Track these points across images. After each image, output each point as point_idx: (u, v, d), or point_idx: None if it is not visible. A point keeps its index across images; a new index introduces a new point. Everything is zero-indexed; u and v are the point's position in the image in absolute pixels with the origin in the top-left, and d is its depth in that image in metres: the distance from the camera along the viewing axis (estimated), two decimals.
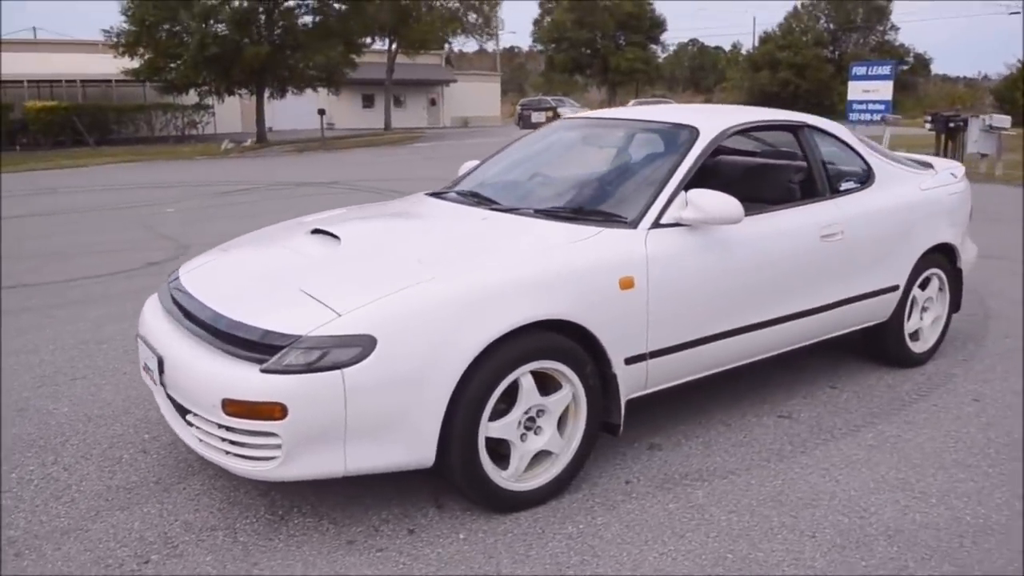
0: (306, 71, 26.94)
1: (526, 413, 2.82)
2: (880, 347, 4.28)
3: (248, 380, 2.49)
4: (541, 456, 2.92)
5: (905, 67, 46.58)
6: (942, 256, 4.33)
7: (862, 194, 3.92)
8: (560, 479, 2.94)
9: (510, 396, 2.78)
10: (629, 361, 3.03)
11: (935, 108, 22.13)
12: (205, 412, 2.62)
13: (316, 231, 3.35)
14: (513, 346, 2.70)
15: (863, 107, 17.48)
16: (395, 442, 2.59)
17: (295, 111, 36.21)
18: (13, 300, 5.94)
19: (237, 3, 24.55)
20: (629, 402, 3.15)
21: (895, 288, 4.04)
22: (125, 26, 24.79)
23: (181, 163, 21.08)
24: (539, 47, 57.71)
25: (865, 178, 4.00)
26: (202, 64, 24.49)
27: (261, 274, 3.06)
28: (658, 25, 51.41)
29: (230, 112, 34.25)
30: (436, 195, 3.89)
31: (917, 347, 4.33)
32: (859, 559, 2.56)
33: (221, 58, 24.38)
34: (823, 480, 3.09)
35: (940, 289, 4.40)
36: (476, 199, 3.66)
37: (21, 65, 29.24)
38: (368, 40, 30.63)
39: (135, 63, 25.30)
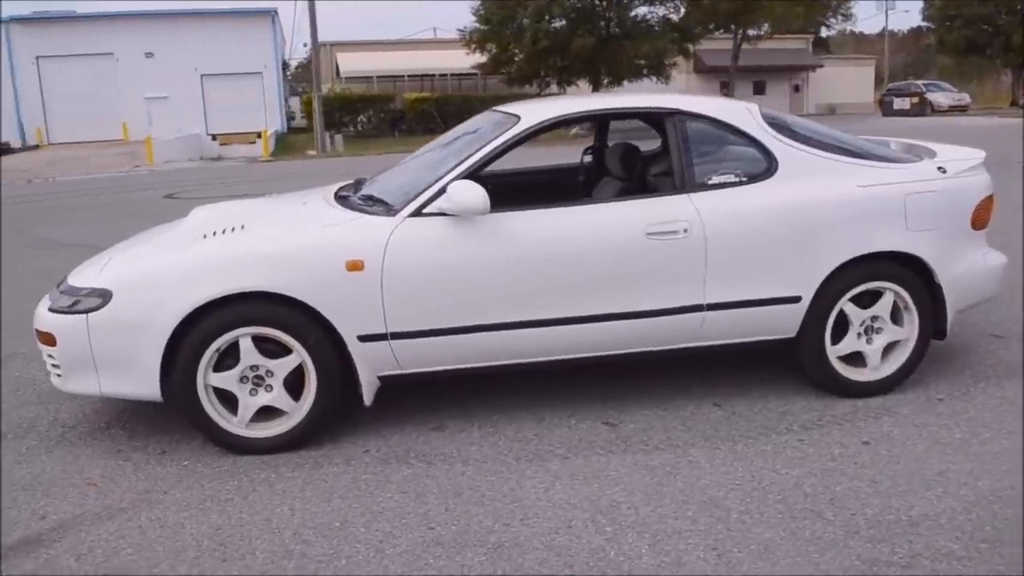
0: (634, 61, 27.66)
1: (253, 370, 3.21)
2: (802, 369, 3.67)
3: (41, 315, 3.32)
4: (279, 412, 3.28)
5: None
6: (903, 268, 3.53)
7: (745, 188, 3.41)
8: (292, 435, 3.27)
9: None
10: (364, 339, 3.21)
11: None
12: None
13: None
14: (228, 310, 3.12)
15: None
16: (129, 376, 3.19)
17: None
18: None
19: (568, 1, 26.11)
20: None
21: (795, 299, 3.45)
22: (476, 25, 27.93)
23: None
24: (931, 26, 50.65)
25: (763, 171, 3.47)
26: (535, 57, 26.58)
27: (131, 242, 3.83)
28: None
29: None
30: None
31: (858, 375, 3.60)
32: (437, 559, 2.52)
33: (552, 51, 26.21)
34: (534, 488, 2.93)
35: (905, 308, 3.58)
36: (354, 188, 4.00)
37: (405, 61, 34.50)
38: (703, 29, 30.19)
39: (483, 58, 28.40)
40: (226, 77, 33.27)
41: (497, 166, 4.99)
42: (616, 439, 3.32)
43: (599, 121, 3.76)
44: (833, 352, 3.56)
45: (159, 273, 3.18)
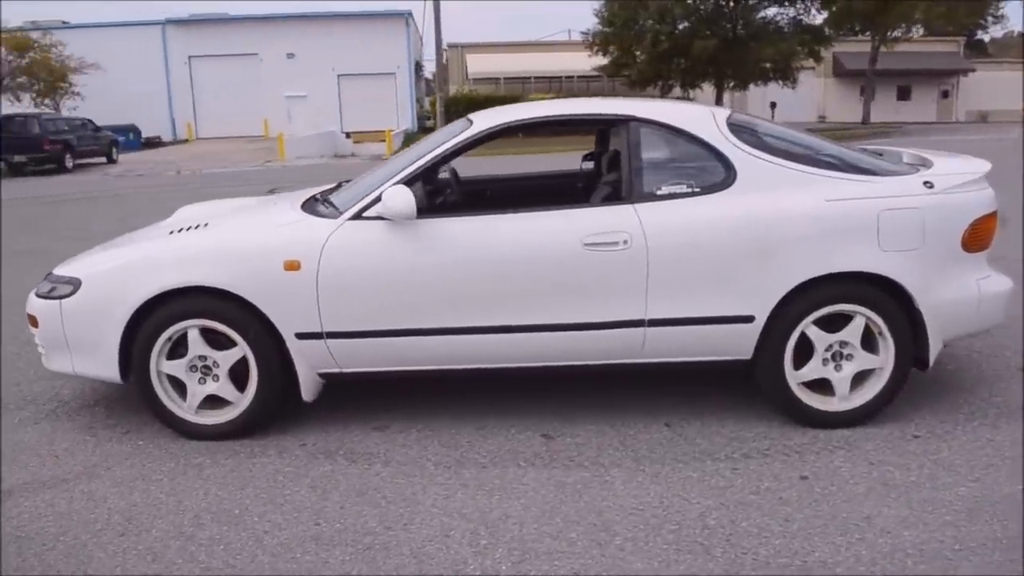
0: (759, 64, 26.65)
1: (201, 360, 3.39)
2: (763, 394, 3.46)
3: (30, 300, 3.64)
4: (225, 401, 3.44)
5: None
6: (875, 291, 3.26)
7: (697, 199, 3.25)
8: (236, 424, 3.43)
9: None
10: (301, 336, 3.31)
11: None
12: None
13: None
14: (176, 303, 3.32)
15: None
16: (95, 358, 3.45)
17: (793, 103, 35.44)
18: None
19: (691, 2, 25.49)
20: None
21: (747, 319, 3.26)
22: (599, 27, 27.79)
23: None
24: None
25: (719, 181, 3.29)
26: (656, 59, 26.13)
27: (122, 237, 4.12)
28: None
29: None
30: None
31: (825, 403, 3.36)
32: (305, 553, 2.59)
33: (673, 53, 25.68)
34: (435, 495, 2.94)
35: (879, 335, 3.30)
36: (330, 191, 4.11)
37: (533, 63, 34.83)
38: (837, 30, 28.62)
39: (605, 60, 28.21)
40: (361, 77, 34.76)
41: (499, 171, 5.07)
42: (545, 452, 3.27)
43: (553, 127, 3.70)
44: (795, 378, 3.35)
45: (122, 266, 3.43)
